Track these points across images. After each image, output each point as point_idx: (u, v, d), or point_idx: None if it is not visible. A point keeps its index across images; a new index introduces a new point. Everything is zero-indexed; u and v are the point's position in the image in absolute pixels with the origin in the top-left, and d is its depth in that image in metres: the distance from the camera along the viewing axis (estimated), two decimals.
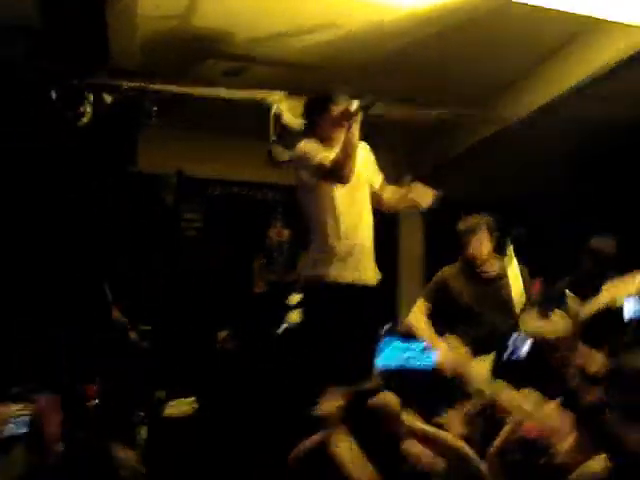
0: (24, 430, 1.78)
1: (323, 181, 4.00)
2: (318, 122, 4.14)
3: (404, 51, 5.56)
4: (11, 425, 1.71)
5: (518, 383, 2.61)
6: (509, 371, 1.70)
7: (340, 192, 4.06)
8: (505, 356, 1.61)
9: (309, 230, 4.22)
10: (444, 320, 4.79)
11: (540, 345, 2.18)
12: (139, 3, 4.77)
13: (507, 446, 2.58)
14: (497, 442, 2.67)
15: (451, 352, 4.38)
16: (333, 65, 5.68)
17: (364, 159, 4.22)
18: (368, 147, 4.27)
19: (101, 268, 6.81)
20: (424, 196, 4.08)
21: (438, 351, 4.48)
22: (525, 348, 1.62)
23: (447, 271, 4.83)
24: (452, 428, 3.00)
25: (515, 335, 1.68)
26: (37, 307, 6.35)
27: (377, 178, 4.29)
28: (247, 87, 5.71)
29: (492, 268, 4.67)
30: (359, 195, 4.16)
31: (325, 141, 4.09)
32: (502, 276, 4.55)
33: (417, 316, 4.73)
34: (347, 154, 3.84)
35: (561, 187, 7.34)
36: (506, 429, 2.67)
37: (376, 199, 4.22)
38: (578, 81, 5.55)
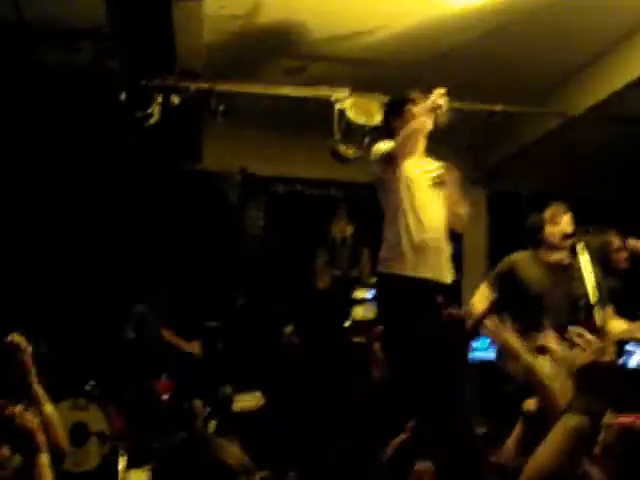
0: None
1: (390, 168, 4.03)
2: (396, 125, 4.15)
3: (466, 46, 5.53)
4: None
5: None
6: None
7: (419, 190, 4.10)
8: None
9: (384, 227, 4.24)
10: (509, 308, 4.71)
11: None
12: (205, 4, 4.84)
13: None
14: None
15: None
16: (396, 62, 5.69)
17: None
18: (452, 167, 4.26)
19: (168, 266, 6.96)
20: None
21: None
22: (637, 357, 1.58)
23: (516, 256, 4.68)
24: None
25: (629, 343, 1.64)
26: (105, 304, 6.53)
27: (457, 194, 4.25)
28: (309, 85, 5.75)
29: (566, 256, 4.58)
30: (438, 196, 4.17)
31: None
32: (574, 267, 4.45)
33: (478, 303, 4.63)
34: (407, 136, 3.91)
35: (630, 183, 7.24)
36: None
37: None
38: (635, 76, 5.42)
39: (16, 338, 2.76)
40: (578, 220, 4.61)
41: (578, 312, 4.42)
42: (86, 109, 5.87)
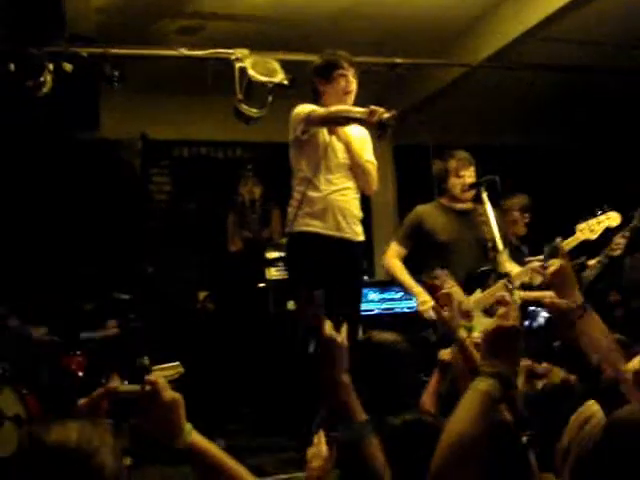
0: None
1: (310, 130, 4.12)
2: (322, 88, 4.27)
3: (365, 1, 5.49)
4: None
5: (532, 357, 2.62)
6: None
7: (333, 154, 4.19)
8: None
9: (293, 187, 4.29)
10: (418, 260, 4.77)
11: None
12: None
13: None
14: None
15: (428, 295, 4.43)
16: (295, 19, 5.63)
17: (360, 129, 4.35)
18: (366, 131, 4.37)
19: (73, 238, 6.76)
20: None
21: (416, 295, 4.53)
22: (540, 320, 1.62)
23: (421, 209, 4.76)
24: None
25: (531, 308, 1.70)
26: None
27: (365, 154, 4.34)
28: (207, 45, 5.60)
29: (468, 202, 4.66)
30: (350, 161, 4.26)
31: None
32: (478, 213, 4.53)
33: (391, 260, 4.70)
34: (341, 112, 4.05)
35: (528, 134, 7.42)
36: None
37: None
38: (533, 24, 5.52)
39: None
40: (482, 168, 4.68)
41: (486, 256, 4.53)
42: None
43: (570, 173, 7.46)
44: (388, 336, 2.92)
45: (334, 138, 4.22)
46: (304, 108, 4.20)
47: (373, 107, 3.81)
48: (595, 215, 3.94)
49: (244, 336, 5.98)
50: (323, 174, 4.20)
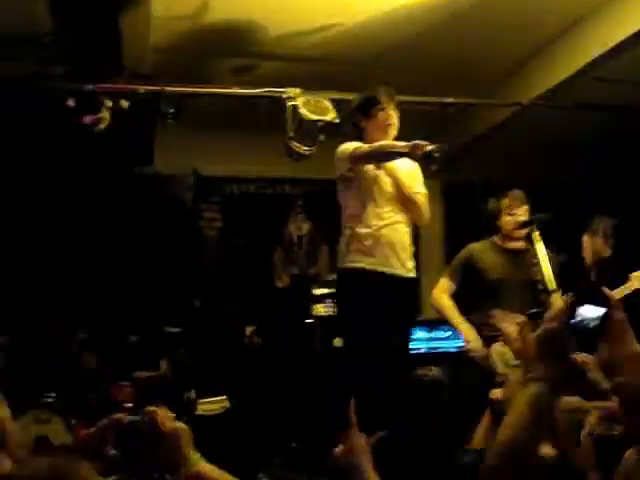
0: None
1: (355, 166, 4.17)
2: (363, 125, 4.32)
3: (415, 39, 5.52)
4: None
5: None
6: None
7: (380, 188, 4.19)
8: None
9: (343, 224, 4.31)
10: (468, 299, 4.75)
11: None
12: (152, 5, 4.77)
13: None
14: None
15: (476, 333, 4.39)
16: (346, 58, 5.69)
17: (412, 167, 4.34)
18: (417, 165, 4.35)
19: (126, 270, 6.87)
20: None
21: (463, 333, 4.50)
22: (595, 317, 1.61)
23: (474, 246, 4.75)
24: None
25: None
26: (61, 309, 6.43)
27: (415, 186, 4.35)
28: (261, 83, 5.71)
29: (522, 241, 4.64)
30: (399, 194, 4.25)
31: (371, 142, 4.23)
32: (531, 254, 4.49)
33: (439, 296, 4.68)
34: (382, 147, 4.08)
35: (578, 172, 7.36)
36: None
37: None
38: (587, 61, 5.47)
39: None
40: (535, 206, 4.66)
41: (537, 297, 4.48)
42: (34, 118, 5.73)
43: (620, 211, 7.35)
44: (431, 372, 2.90)
45: (381, 172, 4.23)
46: (349, 146, 4.23)
47: (417, 141, 3.84)
48: None
49: (290, 371, 6.00)
50: (372, 209, 4.19)
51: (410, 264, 4.28)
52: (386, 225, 4.20)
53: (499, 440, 1.67)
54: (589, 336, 1.73)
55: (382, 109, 4.22)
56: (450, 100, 5.92)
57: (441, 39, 5.53)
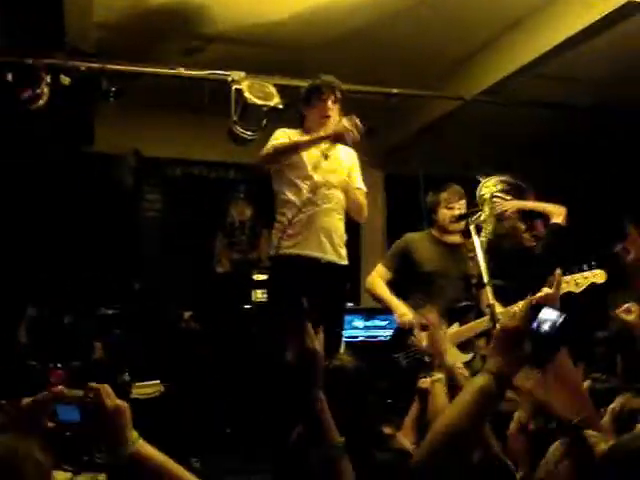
0: None
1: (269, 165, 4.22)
2: (305, 112, 4.29)
3: (363, 29, 5.55)
4: None
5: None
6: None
7: (312, 175, 4.15)
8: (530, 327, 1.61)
9: (276, 208, 4.27)
10: (402, 287, 4.77)
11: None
12: None
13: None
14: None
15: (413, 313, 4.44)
16: (294, 45, 5.67)
17: (350, 156, 4.36)
18: (356, 155, 4.39)
19: (63, 250, 6.76)
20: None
21: (397, 311, 4.54)
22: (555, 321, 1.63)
23: (410, 237, 4.77)
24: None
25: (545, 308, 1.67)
26: None
27: (355, 181, 4.35)
28: (207, 66, 5.65)
29: (458, 235, 4.70)
30: (331, 180, 4.22)
31: (311, 132, 4.21)
32: (467, 247, 4.56)
33: (375, 280, 4.71)
34: (288, 148, 4.12)
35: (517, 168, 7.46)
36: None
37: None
38: (530, 59, 5.57)
39: None
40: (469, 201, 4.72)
41: (470, 290, 4.55)
42: None
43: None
44: (344, 360, 2.90)
45: (313, 156, 4.20)
46: (271, 142, 4.22)
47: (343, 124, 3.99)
48: (582, 270, 3.99)
49: (226, 357, 5.98)
50: (304, 195, 4.16)
51: (343, 251, 4.26)
52: (320, 211, 4.16)
53: (435, 429, 1.66)
54: (540, 340, 1.75)
55: (322, 100, 4.19)
56: (395, 91, 5.95)
57: (388, 30, 5.56)
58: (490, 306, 3.94)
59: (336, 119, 4.18)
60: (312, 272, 4.10)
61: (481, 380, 1.68)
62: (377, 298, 4.72)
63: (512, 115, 6.67)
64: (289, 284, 4.08)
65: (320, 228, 4.15)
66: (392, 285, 4.69)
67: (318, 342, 2.09)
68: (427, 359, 3.16)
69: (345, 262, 4.28)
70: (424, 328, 3.89)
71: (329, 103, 4.20)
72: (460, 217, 4.52)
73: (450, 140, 7.13)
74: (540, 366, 1.88)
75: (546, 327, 1.78)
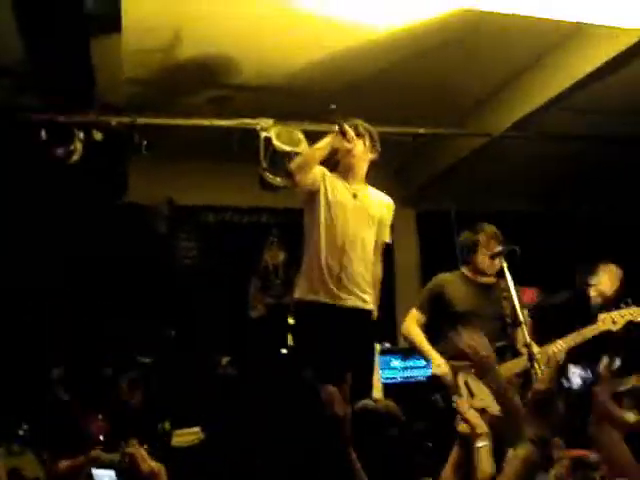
0: None
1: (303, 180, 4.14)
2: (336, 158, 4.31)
3: (386, 71, 5.59)
4: None
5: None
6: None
7: (342, 214, 4.16)
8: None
9: (304, 252, 4.28)
10: (436, 329, 4.73)
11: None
12: (124, 38, 4.78)
13: None
14: None
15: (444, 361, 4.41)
16: (320, 90, 5.72)
17: (380, 205, 4.35)
18: (393, 206, 4.39)
19: (100, 299, 6.83)
20: None
21: (431, 357, 4.52)
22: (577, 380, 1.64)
23: (442, 277, 4.76)
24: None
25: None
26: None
27: (384, 234, 4.36)
28: (234, 114, 5.74)
29: (492, 276, 4.67)
30: (361, 227, 4.22)
31: (339, 171, 4.28)
32: (500, 287, 4.51)
33: (409, 326, 4.69)
34: (306, 153, 4.18)
35: (544, 204, 7.46)
36: None
37: None
38: (555, 93, 5.57)
39: None
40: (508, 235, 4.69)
41: (505, 330, 4.50)
42: (5, 148, 5.72)
43: (591, 241, 7.43)
44: (379, 405, 2.89)
45: (339, 204, 4.20)
46: None
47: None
48: (619, 307, 3.97)
49: (266, 402, 5.96)
50: (326, 239, 4.15)
51: (367, 297, 4.23)
52: (342, 256, 4.14)
53: None
54: (574, 397, 1.77)
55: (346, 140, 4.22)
56: (421, 131, 5.97)
57: (411, 71, 5.60)
58: (527, 345, 3.92)
59: (362, 152, 4.22)
60: (329, 318, 4.09)
61: (523, 451, 1.70)
62: (413, 345, 4.71)
63: (541, 149, 6.65)
64: (307, 331, 4.09)
65: (344, 275, 4.14)
66: (428, 327, 4.68)
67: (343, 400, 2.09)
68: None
69: (368, 307, 4.26)
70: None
71: (356, 143, 4.22)
72: (492, 255, 4.49)
73: (480, 176, 7.12)
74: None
75: (576, 383, 1.79)
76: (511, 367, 4.22)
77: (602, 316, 4.01)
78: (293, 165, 4.21)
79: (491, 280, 4.66)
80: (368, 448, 2.58)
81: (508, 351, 4.39)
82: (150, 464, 1.59)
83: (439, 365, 4.41)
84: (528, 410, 1.77)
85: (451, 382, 4.32)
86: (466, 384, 4.13)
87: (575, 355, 4.04)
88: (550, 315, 5.20)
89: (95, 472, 1.66)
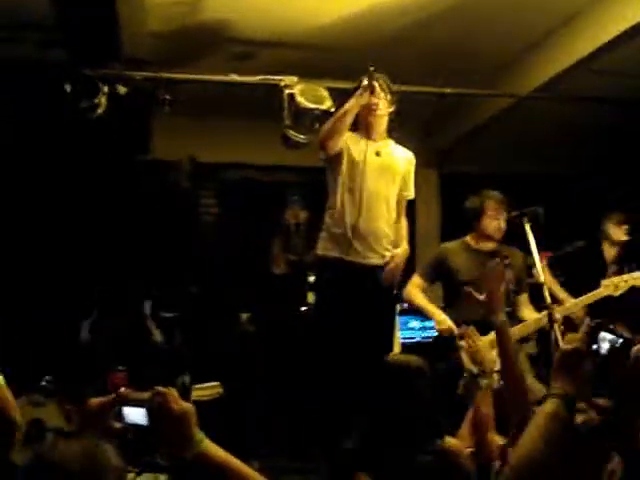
0: None
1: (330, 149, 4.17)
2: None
3: (414, 29, 5.52)
4: None
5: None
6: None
7: (363, 172, 4.13)
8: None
9: (326, 209, 4.30)
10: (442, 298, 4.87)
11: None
12: None
13: None
14: None
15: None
16: (344, 47, 5.68)
17: (403, 160, 4.37)
18: (414, 161, 4.39)
19: (121, 258, 6.88)
20: None
21: (434, 315, 4.59)
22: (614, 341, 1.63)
23: (446, 247, 4.85)
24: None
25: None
26: (55, 296, 6.45)
27: (409, 189, 4.38)
28: (259, 71, 5.70)
29: (494, 242, 4.68)
30: (383, 184, 4.22)
31: (360, 129, 4.27)
32: (502, 254, 4.46)
33: (411, 290, 4.76)
34: (335, 119, 4.13)
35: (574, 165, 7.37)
36: None
37: None
38: (584, 54, 5.46)
39: None
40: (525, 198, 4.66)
41: (509, 297, 4.49)
42: (31, 101, 5.73)
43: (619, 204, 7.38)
44: (407, 358, 2.93)
45: (361, 162, 4.20)
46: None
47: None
48: (622, 272, 3.96)
49: (283, 358, 6.01)
50: (349, 196, 4.18)
51: (388, 254, 4.25)
52: (365, 214, 4.17)
53: (515, 466, 1.64)
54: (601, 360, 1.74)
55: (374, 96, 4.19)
56: (448, 90, 5.90)
57: (440, 29, 5.53)
58: (548, 307, 3.91)
59: (385, 107, 4.18)
60: (350, 276, 4.13)
61: (549, 406, 1.67)
62: (416, 307, 4.76)
63: (568, 111, 6.56)
64: (329, 288, 4.11)
65: (364, 233, 4.18)
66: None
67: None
68: (475, 371, 3.16)
69: None
70: (462, 337, 3.92)
71: (378, 99, 4.19)
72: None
73: (504, 138, 7.05)
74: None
75: (605, 348, 1.76)
76: (515, 332, 4.22)
77: (605, 281, 4.03)
78: (323, 133, 4.21)
79: (493, 246, 4.66)
80: (398, 400, 2.60)
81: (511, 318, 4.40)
82: (182, 404, 1.60)
83: (442, 321, 4.45)
84: (555, 367, 1.75)
85: (457, 333, 4.33)
86: None
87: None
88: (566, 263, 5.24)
89: (125, 410, 1.67)
